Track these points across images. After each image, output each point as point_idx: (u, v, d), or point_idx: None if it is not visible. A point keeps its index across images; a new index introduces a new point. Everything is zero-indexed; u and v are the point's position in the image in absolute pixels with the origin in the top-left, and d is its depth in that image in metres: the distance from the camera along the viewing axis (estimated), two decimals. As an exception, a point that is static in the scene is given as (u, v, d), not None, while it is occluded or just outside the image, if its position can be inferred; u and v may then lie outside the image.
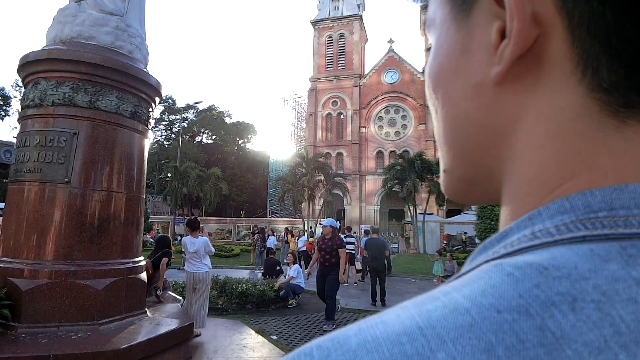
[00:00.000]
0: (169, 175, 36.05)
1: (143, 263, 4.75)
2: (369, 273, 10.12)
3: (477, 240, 23.00)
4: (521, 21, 0.25)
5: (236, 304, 8.01)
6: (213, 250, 6.50)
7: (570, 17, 0.24)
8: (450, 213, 33.75)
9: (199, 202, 35.24)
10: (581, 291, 0.20)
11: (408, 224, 31.91)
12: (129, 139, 4.61)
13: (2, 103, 39.12)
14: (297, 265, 9.52)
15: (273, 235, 18.24)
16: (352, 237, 13.70)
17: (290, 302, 8.70)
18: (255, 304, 8.13)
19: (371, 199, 41.53)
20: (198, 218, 6.62)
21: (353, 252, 13.03)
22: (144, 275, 4.70)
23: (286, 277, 9.24)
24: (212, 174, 33.02)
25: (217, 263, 18.36)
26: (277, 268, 11.22)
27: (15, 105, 43.34)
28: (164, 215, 38.46)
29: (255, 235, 17.62)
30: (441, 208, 30.24)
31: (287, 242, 19.55)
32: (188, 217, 6.78)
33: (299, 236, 17.29)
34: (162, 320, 4.61)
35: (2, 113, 39.10)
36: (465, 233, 25.55)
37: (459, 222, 28.69)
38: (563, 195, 0.25)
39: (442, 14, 0.33)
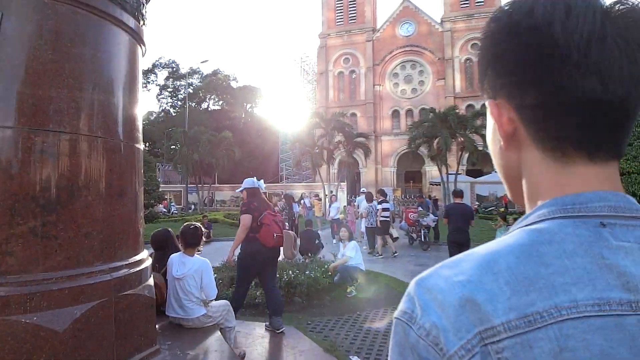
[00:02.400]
0: (178, 142, 34.17)
1: (147, 264, 2.68)
2: (448, 248, 7.52)
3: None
4: (499, 124, 0.54)
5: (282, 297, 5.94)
6: (214, 292, 3.75)
7: (524, 121, 0.52)
8: (469, 173, 31.39)
9: (210, 170, 33.39)
10: (553, 237, 0.46)
11: (436, 184, 29.63)
12: (109, 39, 2.46)
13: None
14: (354, 242, 7.49)
15: (295, 202, 16.09)
16: (387, 202, 11.91)
17: (349, 290, 6.66)
18: (305, 296, 6.14)
19: (387, 160, 39.31)
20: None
21: (388, 219, 11.32)
22: (150, 286, 2.64)
23: (341, 256, 7.22)
24: (223, 137, 30.85)
25: (234, 235, 16.34)
26: (317, 242, 9.24)
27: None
28: (175, 185, 37.06)
29: (279, 204, 15.05)
30: (461, 167, 27.85)
31: (312, 208, 17.59)
32: (184, 225, 4.07)
33: (332, 202, 15.07)
34: (188, 365, 2.60)
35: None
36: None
37: (491, 181, 26.70)
38: (549, 199, 0.51)
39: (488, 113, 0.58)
